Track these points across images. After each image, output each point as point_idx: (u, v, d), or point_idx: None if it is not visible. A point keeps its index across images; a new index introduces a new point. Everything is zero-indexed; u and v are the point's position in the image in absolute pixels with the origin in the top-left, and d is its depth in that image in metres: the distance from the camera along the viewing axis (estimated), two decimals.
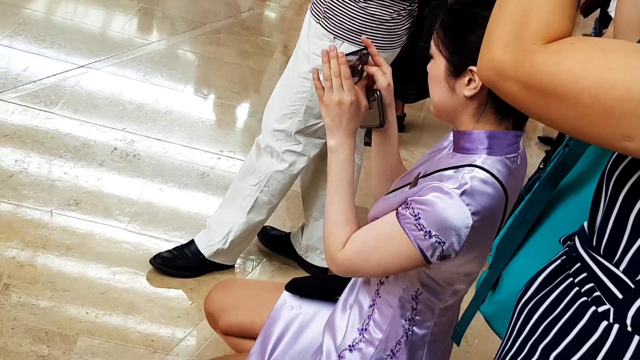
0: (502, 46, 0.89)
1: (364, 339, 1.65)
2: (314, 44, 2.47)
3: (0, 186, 2.99)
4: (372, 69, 1.65)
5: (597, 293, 0.96)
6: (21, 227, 2.81)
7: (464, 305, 1.66)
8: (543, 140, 5.22)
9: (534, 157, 3.81)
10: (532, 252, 1.38)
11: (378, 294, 1.64)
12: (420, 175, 1.55)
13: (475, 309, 1.63)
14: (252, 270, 2.98)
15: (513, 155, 1.47)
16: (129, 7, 5.35)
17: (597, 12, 4.08)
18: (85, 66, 4.20)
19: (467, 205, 1.39)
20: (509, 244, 1.60)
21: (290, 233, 3.11)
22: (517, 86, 0.87)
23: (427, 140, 4.46)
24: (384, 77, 1.65)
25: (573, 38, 0.87)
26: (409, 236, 1.43)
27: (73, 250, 2.77)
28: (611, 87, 0.81)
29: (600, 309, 0.95)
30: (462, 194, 1.39)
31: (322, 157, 2.72)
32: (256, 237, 2.98)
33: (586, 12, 3.98)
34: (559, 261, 1.09)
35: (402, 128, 4.47)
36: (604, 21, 3.94)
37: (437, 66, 1.49)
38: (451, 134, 1.58)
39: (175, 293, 2.73)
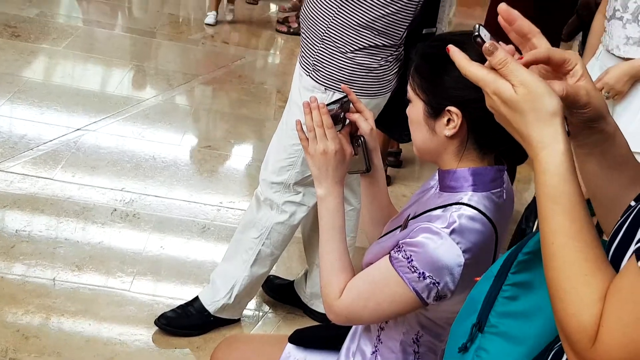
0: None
1: None
2: (306, 97, 2.46)
3: (2, 258, 2.99)
4: (354, 116, 1.65)
5: None
6: (24, 298, 2.80)
7: None
8: None
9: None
10: None
11: (379, 339, 1.63)
12: (410, 217, 1.55)
13: None
14: (258, 322, 2.96)
15: (498, 190, 1.47)
16: (122, 66, 5.40)
17: (580, 36, 4.10)
18: (81, 129, 4.23)
19: (457, 243, 1.39)
20: None
21: (294, 281, 3.09)
22: None
23: (424, 174, 4.43)
24: (366, 122, 1.65)
25: (606, 297, 0.87)
26: (403, 279, 1.43)
27: (77, 317, 2.75)
28: None
29: None
30: (452, 232, 1.39)
31: None
32: (260, 287, 2.96)
33: (568, 36, 4.00)
34: None
35: (399, 164, 4.45)
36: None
37: (416, 109, 1.50)
38: (437, 174, 1.58)
39: (181, 353, 2.70)
